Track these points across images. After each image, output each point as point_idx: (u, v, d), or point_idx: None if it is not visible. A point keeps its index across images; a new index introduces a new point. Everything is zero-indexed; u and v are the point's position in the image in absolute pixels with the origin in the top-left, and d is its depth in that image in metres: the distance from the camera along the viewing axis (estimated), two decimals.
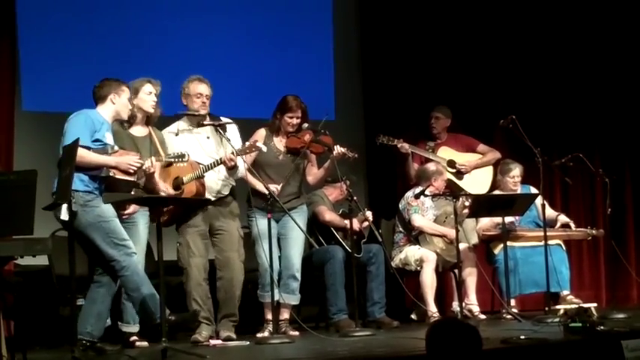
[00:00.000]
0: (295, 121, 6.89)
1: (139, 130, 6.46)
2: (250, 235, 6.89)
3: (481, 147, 8.43)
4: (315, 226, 7.48)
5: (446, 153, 8.28)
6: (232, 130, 6.65)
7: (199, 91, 6.60)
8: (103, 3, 8.05)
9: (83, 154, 5.74)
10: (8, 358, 5.63)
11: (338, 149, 6.85)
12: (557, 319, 6.51)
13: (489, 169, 8.38)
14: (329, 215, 7.50)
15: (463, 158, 8.30)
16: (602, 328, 6.00)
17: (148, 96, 6.39)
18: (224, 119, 6.69)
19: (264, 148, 6.55)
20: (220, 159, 6.46)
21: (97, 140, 5.86)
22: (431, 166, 7.94)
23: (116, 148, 5.98)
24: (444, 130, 8.40)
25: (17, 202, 5.20)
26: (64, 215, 5.62)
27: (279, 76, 8.41)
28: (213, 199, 6.56)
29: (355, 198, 6.94)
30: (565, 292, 7.93)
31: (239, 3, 8.66)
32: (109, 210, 5.89)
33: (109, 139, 5.95)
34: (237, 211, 6.72)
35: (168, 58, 8.07)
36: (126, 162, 5.92)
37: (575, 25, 9.56)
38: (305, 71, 8.67)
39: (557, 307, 7.14)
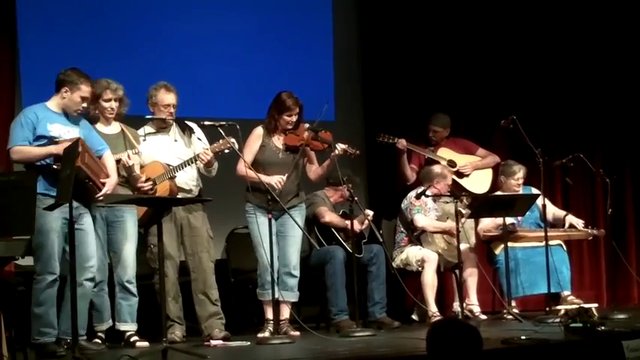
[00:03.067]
0: (293, 119, 6.87)
1: (110, 129, 6.50)
2: (248, 234, 6.89)
3: (480, 151, 8.43)
4: (316, 227, 7.48)
5: (446, 153, 8.27)
6: (199, 133, 6.72)
7: (167, 102, 6.67)
8: (104, 5, 8.04)
9: (22, 150, 5.83)
10: (9, 358, 5.63)
11: (339, 146, 6.84)
12: (557, 320, 6.50)
13: (489, 171, 8.38)
14: (329, 216, 7.50)
15: (463, 159, 8.30)
16: (602, 328, 6.01)
17: (107, 103, 6.42)
18: (188, 123, 6.76)
19: (237, 146, 6.54)
20: (196, 156, 6.50)
21: (40, 137, 5.85)
22: (436, 168, 7.93)
23: (62, 137, 5.89)
24: (443, 139, 8.39)
25: (18, 202, 5.20)
26: None
27: (278, 77, 8.38)
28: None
29: (356, 199, 6.94)
30: (566, 293, 7.92)
31: (238, 3, 8.65)
32: (53, 222, 5.80)
33: (54, 131, 5.90)
34: (204, 212, 6.73)
35: (168, 58, 8.07)
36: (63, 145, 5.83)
37: (576, 26, 9.55)
38: (305, 72, 8.65)
39: (558, 307, 7.12)
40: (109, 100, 6.43)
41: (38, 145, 5.86)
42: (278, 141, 6.91)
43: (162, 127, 6.75)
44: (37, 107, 6.01)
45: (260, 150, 6.85)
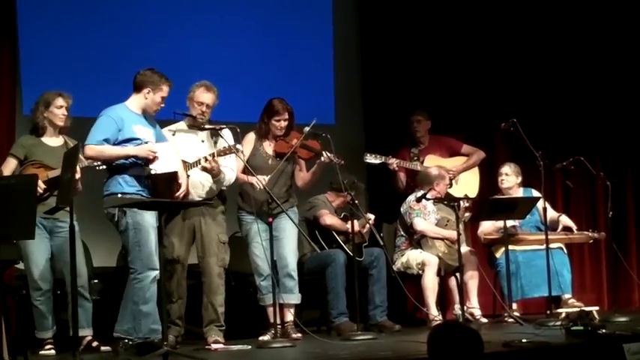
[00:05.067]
0: (283, 124, 6.86)
1: (53, 141, 6.48)
2: (241, 238, 6.88)
3: (465, 148, 8.41)
4: (317, 230, 7.48)
5: (432, 161, 8.21)
6: (228, 136, 6.64)
7: (201, 100, 6.61)
8: (105, 6, 8.05)
9: (101, 149, 5.96)
10: None
11: (325, 154, 6.82)
12: (558, 323, 6.49)
13: (475, 172, 8.36)
14: (330, 219, 7.50)
15: (449, 164, 8.25)
16: (603, 331, 6.00)
17: (59, 110, 6.42)
18: (224, 132, 6.63)
19: (241, 148, 6.52)
20: (199, 160, 6.47)
21: (129, 139, 5.97)
22: (433, 171, 7.92)
23: (145, 139, 6.06)
24: (427, 133, 8.38)
25: (18, 206, 5.20)
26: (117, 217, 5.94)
27: (278, 80, 8.40)
28: (198, 198, 6.56)
29: (357, 202, 6.93)
30: (567, 296, 7.92)
31: (238, 5, 8.65)
32: (149, 219, 5.93)
33: (139, 132, 6.03)
34: (221, 217, 6.68)
35: (169, 60, 8.02)
36: (145, 149, 5.99)
37: (576, 28, 9.56)
38: (304, 74, 8.66)
39: (559, 310, 7.13)
40: (60, 107, 6.42)
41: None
42: (269, 147, 6.92)
43: (194, 124, 6.70)
44: (119, 108, 6.11)
45: (251, 155, 6.85)
